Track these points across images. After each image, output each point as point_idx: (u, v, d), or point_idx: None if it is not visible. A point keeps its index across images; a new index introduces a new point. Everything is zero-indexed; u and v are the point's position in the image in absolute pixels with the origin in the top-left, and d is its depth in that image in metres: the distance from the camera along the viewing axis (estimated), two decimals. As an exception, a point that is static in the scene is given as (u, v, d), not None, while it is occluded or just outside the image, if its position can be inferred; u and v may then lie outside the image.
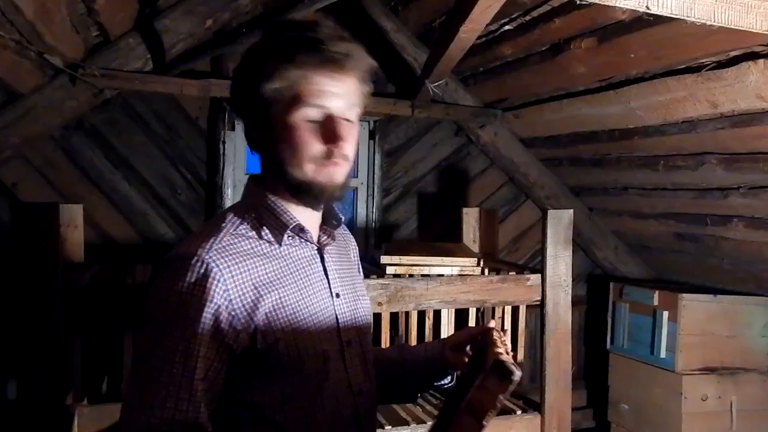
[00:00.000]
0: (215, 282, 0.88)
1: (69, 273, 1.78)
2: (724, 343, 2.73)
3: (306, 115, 0.94)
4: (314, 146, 0.94)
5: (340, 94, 0.95)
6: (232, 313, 0.89)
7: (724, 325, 2.72)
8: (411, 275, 2.01)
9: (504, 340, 1.08)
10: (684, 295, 2.70)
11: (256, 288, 0.92)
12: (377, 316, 1.91)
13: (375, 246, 3.00)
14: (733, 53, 1.77)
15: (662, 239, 3.01)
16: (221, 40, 2.55)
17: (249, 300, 0.91)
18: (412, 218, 3.22)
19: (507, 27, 2.38)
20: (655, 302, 2.82)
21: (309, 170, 0.95)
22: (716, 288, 2.88)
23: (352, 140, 0.98)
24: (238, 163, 2.85)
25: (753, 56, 1.72)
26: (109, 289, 1.77)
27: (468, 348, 1.16)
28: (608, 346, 3.14)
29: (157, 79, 2.45)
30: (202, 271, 0.88)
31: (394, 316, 2.02)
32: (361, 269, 1.23)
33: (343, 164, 0.97)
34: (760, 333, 2.75)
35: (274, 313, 0.93)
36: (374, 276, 1.93)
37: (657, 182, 2.66)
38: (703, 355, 2.71)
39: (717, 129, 2.09)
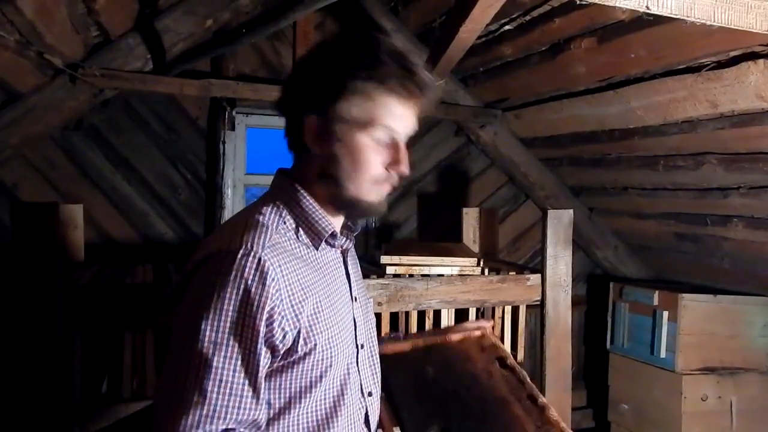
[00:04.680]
0: (272, 281, 0.86)
1: (69, 273, 1.78)
2: (724, 343, 2.72)
3: (377, 137, 0.93)
4: (377, 168, 0.94)
5: (410, 120, 0.95)
6: (282, 313, 0.87)
7: (724, 325, 2.72)
8: (411, 275, 2.01)
9: None
10: (684, 295, 2.70)
11: (302, 290, 0.91)
12: (377, 316, 1.91)
13: (375, 246, 3.00)
14: (733, 53, 1.77)
15: (662, 239, 3.00)
16: (221, 40, 2.55)
17: (297, 301, 0.90)
18: (412, 218, 3.22)
19: (507, 27, 2.38)
20: (655, 302, 2.82)
21: (365, 189, 0.95)
22: (716, 288, 2.88)
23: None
24: (238, 163, 2.85)
25: (753, 56, 1.72)
26: (109, 289, 1.77)
27: None
28: (608, 346, 3.13)
29: (157, 79, 2.45)
30: (260, 268, 0.86)
31: (394, 316, 2.02)
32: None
33: (395, 186, 0.99)
34: (760, 333, 2.75)
35: (314, 317, 0.92)
36: (374, 276, 1.93)
37: (657, 182, 2.66)
38: (703, 355, 2.71)
39: (717, 129, 2.09)
